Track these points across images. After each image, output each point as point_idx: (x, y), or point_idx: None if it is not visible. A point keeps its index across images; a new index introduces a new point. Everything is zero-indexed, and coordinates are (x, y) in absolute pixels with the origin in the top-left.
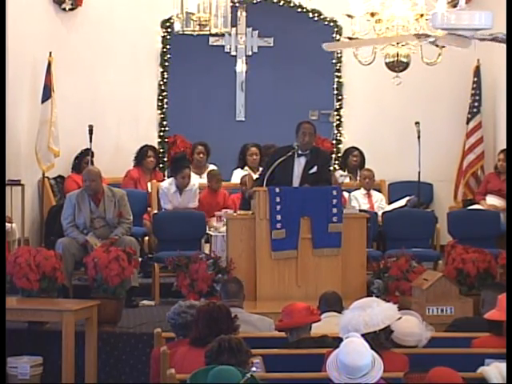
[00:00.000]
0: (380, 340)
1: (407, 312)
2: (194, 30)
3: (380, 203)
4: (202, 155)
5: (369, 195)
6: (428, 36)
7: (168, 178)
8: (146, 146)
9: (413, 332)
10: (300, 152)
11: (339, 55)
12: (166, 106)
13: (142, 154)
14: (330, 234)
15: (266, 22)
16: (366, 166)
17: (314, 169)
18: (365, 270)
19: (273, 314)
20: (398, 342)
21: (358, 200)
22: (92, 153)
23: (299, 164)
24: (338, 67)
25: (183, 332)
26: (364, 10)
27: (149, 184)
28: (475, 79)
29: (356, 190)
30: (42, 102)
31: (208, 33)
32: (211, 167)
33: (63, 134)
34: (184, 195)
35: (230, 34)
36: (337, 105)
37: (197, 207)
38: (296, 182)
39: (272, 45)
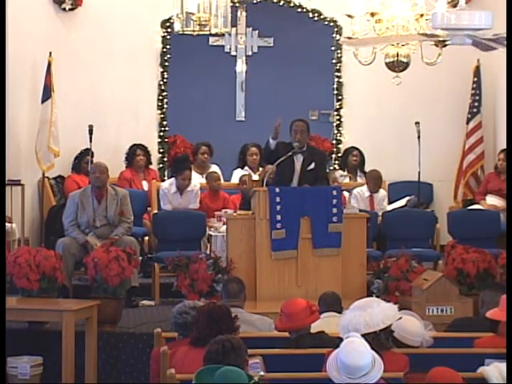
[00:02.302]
0: (380, 340)
1: (406, 312)
2: (194, 30)
3: (381, 204)
4: (206, 155)
5: (371, 197)
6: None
7: (169, 178)
8: (134, 145)
9: (419, 332)
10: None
11: (339, 55)
12: (165, 106)
13: (131, 153)
14: (329, 234)
15: (266, 21)
16: (370, 167)
17: (312, 165)
18: (365, 270)
19: (273, 314)
20: (403, 340)
21: (358, 199)
22: (92, 153)
23: (297, 161)
24: (338, 67)
25: (182, 331)
26: (364, 10)
27: (144, 183)
28: (475, 79)
29: (357, 186)
30: (42, 101)
31: (208, 33)
32: (213, 167)
33: (63, 134)
34: (185, 196)
35: (230, 34)
36: (337, 105)
37: (198, 208)
38: (295, 179)
39: (272, 45)
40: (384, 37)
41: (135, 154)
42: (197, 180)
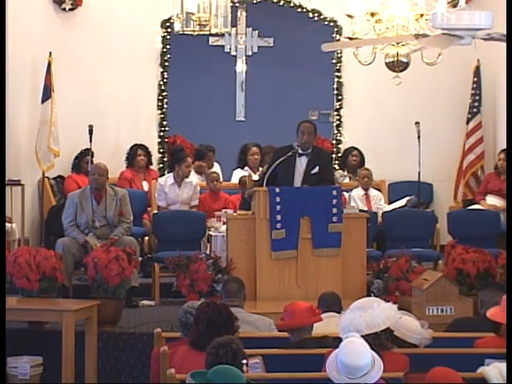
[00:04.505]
0: (381, 341)
1: (402, 312)
2: (194, 30)
3: (378, 203)
4: (213, 160)
5: (367, 196)
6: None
7: (168, 173)
8: (135, 145)
9: (418, 330)
10: (301, 152)
11: (339, 55)
12: (165, 106)
13: (132, 153)
14: (329, 234)
15: (266, 21)
16: (369, 167)
17: (316, 169)
18: (365, 270)
19: (273, 313)
20: (404, 338)
21: (356, 200)
22: (92, 153)
23: (300, 164)
24: (338, 67)
25: (184, 330)
26: (364, 10)
27: (144, 183)
28: (475, 79)
29: (354, 188)
30: (42, 101)
31: (208, 33)
32: (214, 165)
33: (63, 134)
34: (183, 188)
35: (230, 34)
36: (337, 105)
37: (197, 208)
38: (298, 182)
39: (272, 45)
40: (372, 39)
41: (136, 154)
42: (196, 180)
